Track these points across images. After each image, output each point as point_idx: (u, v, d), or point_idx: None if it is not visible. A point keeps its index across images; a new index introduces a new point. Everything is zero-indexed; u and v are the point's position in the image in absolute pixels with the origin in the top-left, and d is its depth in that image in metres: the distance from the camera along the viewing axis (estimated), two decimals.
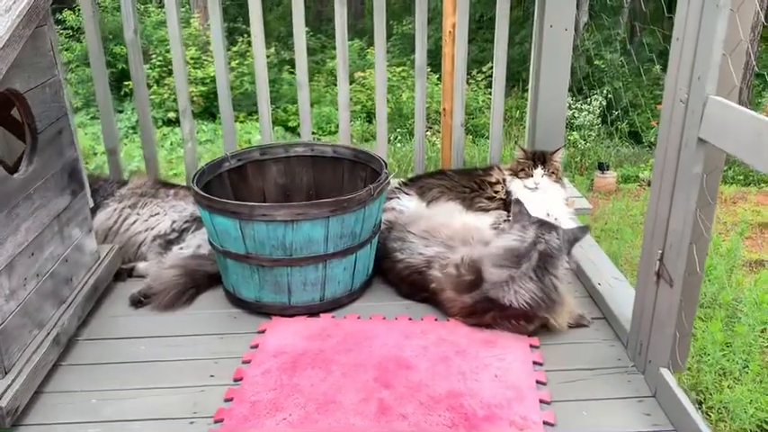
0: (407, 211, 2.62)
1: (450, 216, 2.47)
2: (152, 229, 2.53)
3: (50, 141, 2.04)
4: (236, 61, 9.65)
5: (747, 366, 4.01)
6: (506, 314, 2.04)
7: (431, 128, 7.20)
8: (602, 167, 7.44)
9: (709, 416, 3.28)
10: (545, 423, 1.69)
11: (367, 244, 2.21)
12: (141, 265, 2.48)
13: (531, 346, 2.01)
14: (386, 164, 2.30)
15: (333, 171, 2.54)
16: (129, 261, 2.53)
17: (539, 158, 2.76)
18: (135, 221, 2.56)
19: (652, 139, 8.99)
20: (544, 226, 2.14)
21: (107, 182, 2.81)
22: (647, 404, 1.76)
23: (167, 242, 2.49)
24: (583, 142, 8.58)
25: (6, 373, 1.75)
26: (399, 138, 8.16)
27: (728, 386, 3.82)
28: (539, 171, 2.73)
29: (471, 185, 2.79)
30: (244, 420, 1.72)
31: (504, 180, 2.80)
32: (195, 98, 8.99)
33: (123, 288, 2.41)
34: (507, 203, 2.74)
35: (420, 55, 2.88)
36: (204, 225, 2.25)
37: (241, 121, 8.96)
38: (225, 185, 2.42)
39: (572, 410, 1.74)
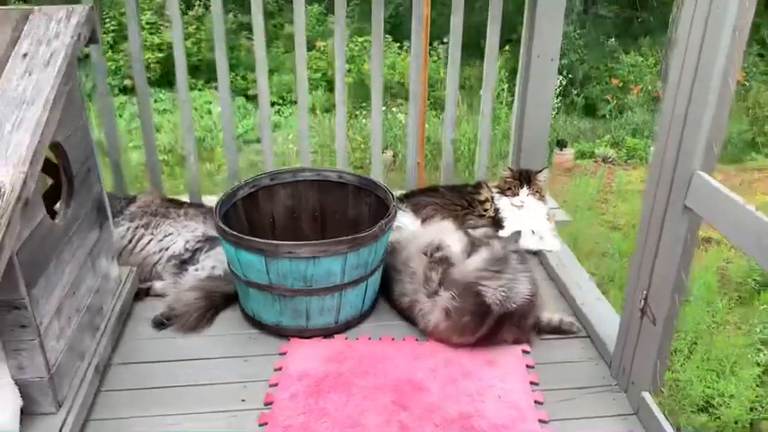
0: (405, 230, 2.84)
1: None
2: (166, 249, 2.68)
3: (82, 182, 2.16)
4: (194, 26, 9.46)
5: (695, 344, 4.41)
6: (513, 320, 2.28)
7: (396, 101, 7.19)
8: (560, 144, 7.73)
9: (662, 392, 3.62)
10: None
11: (377, 271, 2.42)
12: (158, 285, 2.63)
13: (528, 366, 2.26)
14: (392, 196, 2.48)
15: (338, 194, 2.72)
16: (146, 280, 2.67)
17: (524, 178, 2.99)
18: (149, 242, 2.70)
19: (606, 114, 9.36)
20: (499, 239, 2.45)
21: (114, 198, 2.92)
22: (630, 421, 2.04)
23: (181, 262, 2.65)
24: None
25: (60, 407, 1.91)
26: (364, 114, 8.11)
27: (680, 363, 4.20)
28: (524, 190, 2.97)
29: (462, 203, 3.00)
30: None
31: (492, 198, 3.03)
32: (152, 65, 8.84)
33: (143, 308, 2.56)
34: (495, 220, 2.98)
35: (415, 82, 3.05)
36: (224, 253, 2.41)
37: (200, 89, 8.87)
38: (239, 212, 2.57)
39: (567, 429, 2.01)
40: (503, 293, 2.24)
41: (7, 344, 1.79)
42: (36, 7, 2.10)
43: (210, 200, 3.16)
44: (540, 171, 3.01)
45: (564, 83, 9.05)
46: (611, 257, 5.49)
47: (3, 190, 1.61)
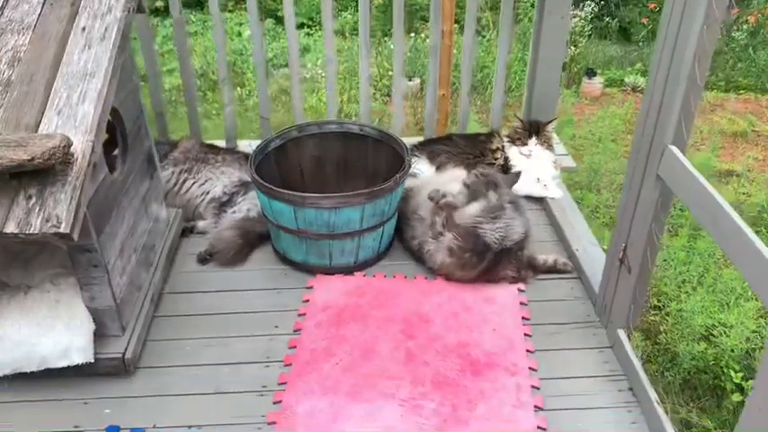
0: (421, 175, 3.13)
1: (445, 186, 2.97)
2: (207, 193, 3.02)
3: (135, 138, 2.48)
4: None
5: (704, 277, 4.67)
6: (509, 257, 2.60)
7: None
8: (589, 74, 7.75)
9: (667, 320, 3.91)
10: (530, 369, 2.30)
11: (392, 218, 2.73)
12: (201, 224, 2.99)
13: (521, 303, 2.59)
14: (407, 150, 2.76)
15: (359, 145, 3.00)
16: (190, 219, 3.03)
17: (534, 129, 3.23)
18: (192, 185, 3.04)
19: (640, 40, 9.26)
20: (493, 186, 2.70)
21: (159, 144, 3.25)
22: (606, 354, 2.37)
23: (221, 204, 2.99)
24: (573, 49, 8.78)
25: (124, 331, 2.30)
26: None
27: (686, 293, 4.48)
28: (533, 140, 3.21)
29: (474, 152, 3.27)
30: (306, 365, 2.31)
31: (502, 147, 3.28)
32: None
33: (188, 244, 2.93)
34: (505, 168, 3.24)
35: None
36: (258, 200, 2.74)
37: (230, 11, 8.93)
38: (270, 162, 2.88)
39: (550, 358, 2.35)
40: (500, 233, 2.55)
41: (82, 279, 2.16)
42: None
43: (244, 144, 3.48)
44: (549, 122, 3.24)
45: (599, 6, 8.91)
46: None
47: (75, 156, 1.93)
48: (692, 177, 1.84)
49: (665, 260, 4.29)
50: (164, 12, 7.85)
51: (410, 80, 6.67)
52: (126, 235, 2.34)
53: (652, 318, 3.91)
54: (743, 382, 3.37)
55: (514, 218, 2.58)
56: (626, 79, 8.08)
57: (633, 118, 6.95)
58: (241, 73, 7.68)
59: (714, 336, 4.20)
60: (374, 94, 6.50)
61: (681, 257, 4.27)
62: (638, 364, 2.22)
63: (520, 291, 2.66)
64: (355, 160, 3.04)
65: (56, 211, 1.81)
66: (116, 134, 2.40)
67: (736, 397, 3.31)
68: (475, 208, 2.64)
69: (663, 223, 2.12)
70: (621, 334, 2.33)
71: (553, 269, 2.74)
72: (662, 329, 3.84)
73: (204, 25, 8.39)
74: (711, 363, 3.63)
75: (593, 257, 2.77)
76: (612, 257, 2.36)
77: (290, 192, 2.48)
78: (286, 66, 7.02)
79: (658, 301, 4.10)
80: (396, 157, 2.84)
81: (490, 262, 2.58)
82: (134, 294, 2.41)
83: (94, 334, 2.19)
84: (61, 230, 1.78)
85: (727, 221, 1.66)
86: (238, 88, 7.03)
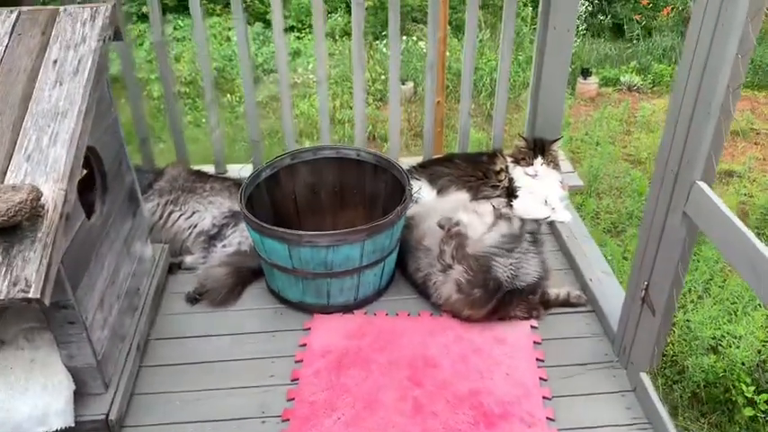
0: (422, 200, 2.96)
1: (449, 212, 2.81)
2: (194, 226, 2.83)
3: (115, 176, 2.30)
4: None
5: (710, 285, 4.52)
6: (522, 297, 2.44)
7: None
8: (584, 74, 7.61)
9: (674, 330, 3.76)
10: (547, 419, 2.13)
11: (393, 251, 2.56)
12: (188, 259, 2.80)
13: (535, 342, 2.42)
14: (408, 177, 2.59)
15: (356, 172, 2.83)
16: (177, 254, 2.84)
17: (539, 148, 3.06)
18: (179, 218, 2.85)
19: (634, 37, 9.13)
20: (521, 219, 2.59)
21: (141, 171, 3.06)
22: (628, 399, 2.20)
23: (210, 237, 2.81)
24: None
25: (108, 388, 2.12)
26: (385, 43, 7.69)
27: (692, 301, 4.33)
28: (538, 160, 3.05)
29: (477, 174, 3.10)
30: (306, 420, 2.14)
31: (506, 167, 3.11)
32: None
33: (175, 282, 2.75)
34: (509, 190, 3.07)
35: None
36: (249, 235, 2.56)
37: (218, 15, 8.69)
38: (262, 193, 2.70)
39: (568, 405, 2.18)
40: (512, 270, 2.38)
41: (59, 337, 1.98)
42: (62, 7, 2.17)
43: (235, 170, 3.29)
44: (555, 141, 3.07)
45: (593, 5, 8.79)
46: (631, 196, 5.55)
47: (46, 207, 1.74)
48: (725, 217, 1.67)
49: None
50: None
51: (403, 84, 6.51)
52: (107, 284, 2.16)
53: None
54: (755, 396, 3.23)
55: (530, 254, 2.42)
56: (621, 78, 7.94)
57: (630, 118, 6.83)
58: (231, 79, 7.48)
59: (723, 347, 4.07)
60: (367, 98, 6.33)
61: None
62: (663, 411, 2.06)
63: (532, 328, 2.49)
64: (352, 187, 2.87)
65: (24, 273, 1.63)
66: (94, 172, 2.22)
67: (748, 411, 3.16)
68: (493, 236, 2.48)
69: (687, 261, 1.95)
70: (645, 378, 2.17)
71: (566, 303, 2.58)
72: (669, 340, 3.68)
73: (192, 31, 8.10)
74: (721, 376, 3.49)
75: (607, 288, 2.61)
76: (633, 295, 2.20)
77: (284, 230, 2.31)
78: (276, 71, 6.78)
79: None
80: (395, 183, 2.67)
81: (499, 302, 2.42)
82: (117, 346, 2.23)
83: (75, 393, 2.01)
84: (30, 295, 1.60)
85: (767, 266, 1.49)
86: (228, 95, 6.82)
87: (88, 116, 1.96)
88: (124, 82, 3.04)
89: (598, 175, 5.60)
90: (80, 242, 1.97)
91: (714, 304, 4.28)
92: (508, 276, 2.37)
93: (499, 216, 2.60)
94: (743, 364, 3.92)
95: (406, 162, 3.28)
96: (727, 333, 4.02)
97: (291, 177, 2.81)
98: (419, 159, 3.31)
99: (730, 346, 3.98)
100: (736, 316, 4.21)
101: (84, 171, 2.43)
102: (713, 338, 4.11)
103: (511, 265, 2.38)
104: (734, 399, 3.25)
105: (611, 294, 2.56)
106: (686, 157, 1.81)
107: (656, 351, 2.14)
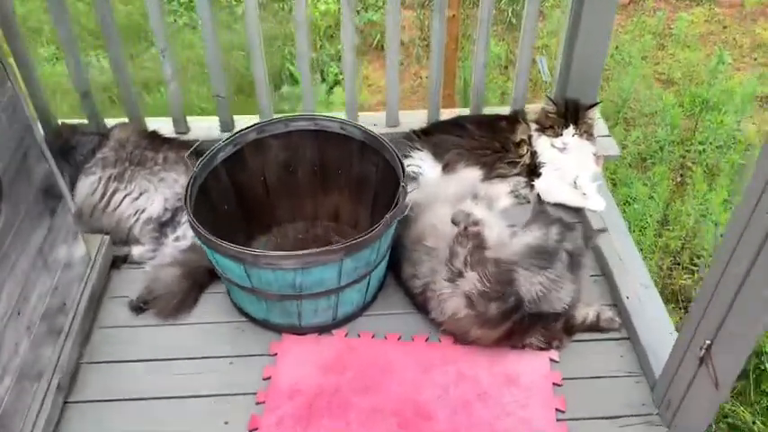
0: (424, 177, 2.41)
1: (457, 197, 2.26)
2: (142, 211, 2.31)
3: (17, 174, 1.76)
4: None
5: None
6: (542, 324, 1.96)
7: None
8: None
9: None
10: None
11: (382, 262, 2.04)
12: (135, 251, 2.31)
13: (554, 384, 1.94)
14: (403, 166, 2.02)
15: (340, 148, 2.26)
16: (123, 242, 2.34)
17: (571, 115, 2.45)
18: (123, 199, 2.33)
19: None
20: (566, 225, 2.01)
21: (86, 135, 2.52)
22: None
23: (160, 225, 2.30)
24: None
25: None
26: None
27: None
28: (569, 131, 2.45)
29: (493, 145, 2.51)
30: None
31: (529, 137, 2.52)
32: None
33: (120, 280, 2.26)
34: (531, 167, 2.50)
35: None
36: None
37: None
38: (221, 178, 2.16)
39: None
40: (540, 291, 1.88)
41: None
42: None
43: (200, 126, 2.73)
44: (592, 106, 2.46)
45: None
46: (661, 125, 4.89)
47: None
48: None
49: (702, 216, 3.50)
50: None
51: None
52: (9, 316, 1.68)
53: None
54: None
55: (565, 278, 1.89)
56: None
57: (665, 31, 6.05)
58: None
59: None
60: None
61: (722, 219, 3.44)
62: None
63: (552, 361, 2.00)
64: (336, 166, 2.31)
65: None
66: None
67: None
68: (521, 242, 1.96)
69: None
70: None
71: (595, 328, 2.07)
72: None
73: None
74: None
75: (648, 308, 2.09)
76: (688, 346, 1.68)
77: (238, 248, 1.78)
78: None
79: (694, 265, 3.40)
80: (389, 168, 2.11)
81: (516, 324, 1.92)
82: (30, 389, 1.78)
83: None
84: None
85: None
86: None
87: None
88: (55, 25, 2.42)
89: (628, 98, 4.92)
90: None
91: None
92: (533, 296, 1.86)
93: (537, 215, 2.05)
94: None
95: (407, 123, 2.69)
96: None
97: (259, 155, 2.25)
98: (425, 115, 2.70)
99: None
100: None
101: None
102: None
103: (540, 284, 1.86)
104: None
105: (653, 317, 2.06)
106: None
107: (710, 419, 1.65)
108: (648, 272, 2.25)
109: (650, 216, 3.44)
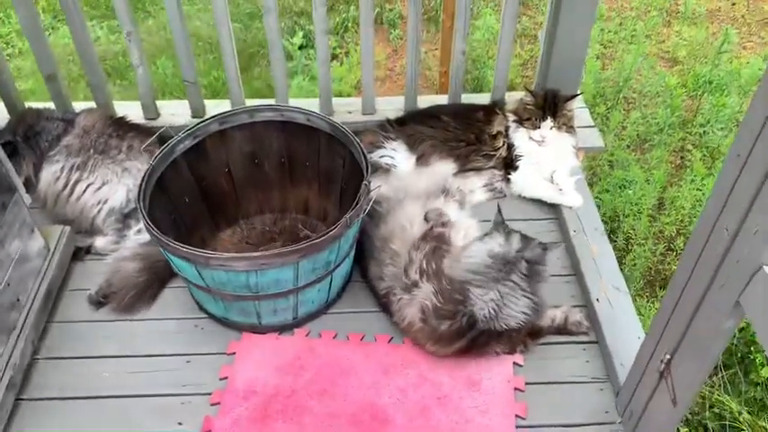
0: (395, 173, 2.34)
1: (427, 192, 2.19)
2: (105, 201, 2.26)
3: None
4: None
5: None
6: (500, 338, 1.91)
7: None
8: None
9: None
10: None
11: (344, 261, 1.98)
12: (99, 243, 2.26)
13: (516, 389, 1.90)
14: (368, 163, 1.95)
15: (307, 139, 2.19)
16: (86, 233, 2.30)
17: (550, 106, 2.36)
18: (86, 189, 2.27)
19: None
20: (525, 237, 1.93)
21: (51, 120, 2.46)
22: None
23: (124, 216, 2.25)
24: None
25: None
26: None
27: None
28: (547, 123, 2.36)
29: (468, 137, 2.43)
30: None
31: (506, 130, 2.44)
32: None
33: (81, 272, 2.22)
34: (508, 161, 2.42)
35: None
36: None
37: None
38: (181, 171, 2.09)
39: None
40: (493, 309, 1.82)
41: None
42: None
43: (171, 112, 2.66)
44: (571, 98, 2.37)
45: None
46: (662, 105, 4.75)
47: None
48: None
49: (699, 202, 3.38)
50: None
51: None
52: None
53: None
54: None
55: (519, 291, 1.82)
56: None
57: (673, 8, 5.87)
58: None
59: None
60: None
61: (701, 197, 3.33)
62: None
63: (516, 364, 1.95)
64: (303, 158, 2.24)
65: None
66: None
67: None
68: (480, 252, 1.89)
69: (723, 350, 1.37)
70: None
71: (563, 330, 2.02)
72: None
73: None
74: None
75: (618, 313, 2.03)
76: (651, 357, 1.63)
77: (187, 249, 1.72)
78: None
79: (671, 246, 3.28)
80: (355, 162, 2.05)
81: (472, 342, 1.87)
82: None
83: None
84: None
85: None
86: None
87: None
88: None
89: (629, 78, 4.78)
90: None
91: None
92: (486, 315, 1.81)
93: (497, 226, 1.97)
94: None
95: (383, 111, 2.62)
96: None
97: (222, 147, 2.18)
98: (402, 103, 2.62)
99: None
100: None
101: None
102: None
103: (492, 301, 1.80)
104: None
105: (624, 323, 2.00)
106: (746, 230, 1.17)
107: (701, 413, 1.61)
108: (644, 262, 2.15)
109: (643, 197, 3.33)
